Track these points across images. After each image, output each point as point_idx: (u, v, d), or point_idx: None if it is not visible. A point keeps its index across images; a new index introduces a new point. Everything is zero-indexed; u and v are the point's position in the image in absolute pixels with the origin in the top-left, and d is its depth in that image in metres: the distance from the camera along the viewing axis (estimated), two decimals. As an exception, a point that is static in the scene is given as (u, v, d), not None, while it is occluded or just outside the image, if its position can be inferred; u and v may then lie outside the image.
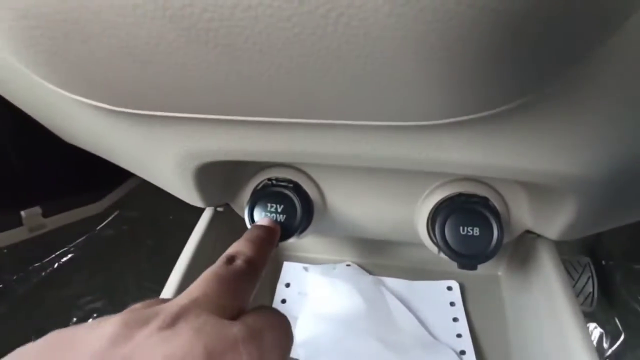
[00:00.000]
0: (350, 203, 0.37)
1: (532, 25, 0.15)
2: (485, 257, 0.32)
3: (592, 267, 0.70)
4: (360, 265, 0.47)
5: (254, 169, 0.37)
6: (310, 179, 0.36)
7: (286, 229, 0.33)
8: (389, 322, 0.40)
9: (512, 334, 0.40)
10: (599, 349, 0.71)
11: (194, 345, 0.15)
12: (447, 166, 0.26)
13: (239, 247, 0.24)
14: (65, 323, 0.80)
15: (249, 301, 0.21)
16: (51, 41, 0.17)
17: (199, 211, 0.39)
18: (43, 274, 0.86)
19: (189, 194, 0.34)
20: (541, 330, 0.34)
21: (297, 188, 0.35)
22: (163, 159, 0.29)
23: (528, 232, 0.36)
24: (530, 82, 0.19)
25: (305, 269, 0.46)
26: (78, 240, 0.91)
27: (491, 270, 0.45)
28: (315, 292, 0.43)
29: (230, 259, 0.23)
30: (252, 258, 0.23)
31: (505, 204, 0.34)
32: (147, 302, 0.19)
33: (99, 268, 0.87)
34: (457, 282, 0.44)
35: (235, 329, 0.17)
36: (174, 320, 0.16)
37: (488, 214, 0.32)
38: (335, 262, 0.47)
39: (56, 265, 0.88)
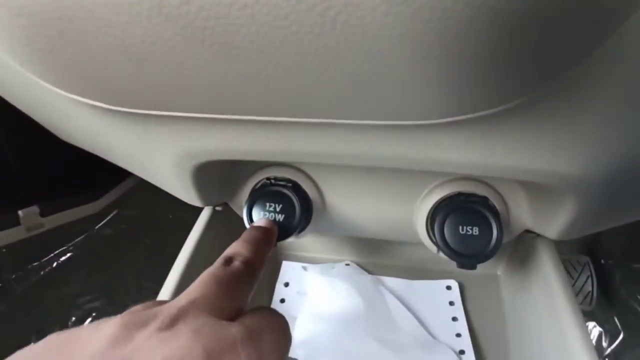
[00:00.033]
0: (349, 202, 0.37)
1: (531, 24, 0.14)
2: (484, 256, 0.31)
3: (591, 266, 0.70)
4: (359, 265, 0.46)
5: (252, 168, 0.37)
6: (309, 178, 0.36)
7: (285, 229, 0.33)
8: (388, 322, 0.40)
9: (511, 333, 0.40)
10: (598, 348, 0.71)
11: (192, 347, 0.16)
12: (446, 165, 0.25)
13: (237, 248, 0.25)
14: (64, 322, 0.80)
15: (247, 302, 0.22)
16: (46, 39, 0.17)
17: (198, 210, 0.39)
18: (42, 273, 0.86)
19: (187, 194, 0.33)
20: (540, 329, 0.34)
21: (296, 187, 0.35)
22: (160, 159, 0.29)
23: (527, 231, 0.36)
24: (529, 82, 0.19)
25: (304, 268, 0.46)
26: (77, 240, 0.91)
27: (490, 269, 0.45)
28: (314, 292, 0.43)
29: (228, 260, 0.23)
30: (250, 259, 0.23)
31: (505, 203, 0.34)
32: (146, 303, 0.19)
33: (97, 267, 0.87)
34: (457, 281, 0.44)
35: (233, 329, 0.17)
36: (173, 322, 0.17)
37: (487, 214, 0.32)
38: (334, 261, 0.47)
39: (55, 264, 0.88)
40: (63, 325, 0.79)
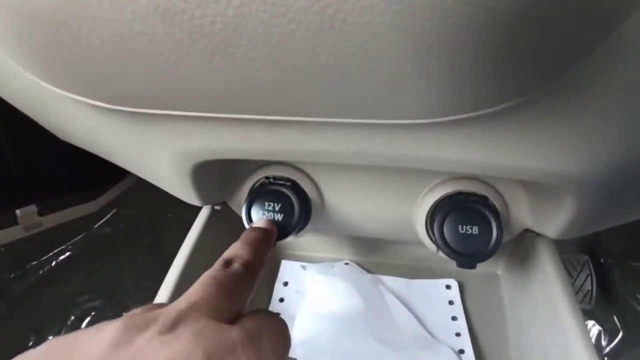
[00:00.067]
0: (349, 201, 0.37)
1: (531, 24, 0.14)
2: (484, 256, 0.31)
3: (590, 265, 0.70)
4: (358, 264, 0.46)
5: (251, 167, 0.36)
6: (308, 177, 0.36)
7: (284, 228, 0.33)
8: (387, 321, 0.40)
9: (511, 332, 0.40)
10: (597, 346, 0.71)
11: (193, 350, 0.16)
12: (446, 165, 0.25)
13: (236, 250, 0.25)
14: (63, 321, 0.80)
15: (246, 304, 0.22)
16: (44, 39, 0.17)
17: (197, 209, 0.39)
18: (41, 272, 0.86)
19: (186, 193, 0.33)
20: (540, 328, 0.34)
21: (295, 186, 0.35)
22: (159, 158, 0.29)
23: (527, 230, 0.36)
24: (529, 81, 0.19)
25: (304, 267, 0.46)
26: (76, 239, 0.91)
27: (490, 268, 0.45)
28: (313, 291, 0.42)
29: (228, 263, 0.23)
30: (249, 261, 0.24)
31: (505, 202, 0.34)
32: (146, 306, 0.20)
33: (96, 266, 0.87)
34: (456, 280, 0.44)
35: (233, 333, 0.17)
36: (174, 325, 0.17)
37: (487, 213, 0.32)
38: (334, 260, 0.47)
39: (54, 263, 0.88)
40: (62, 325, 0.79)
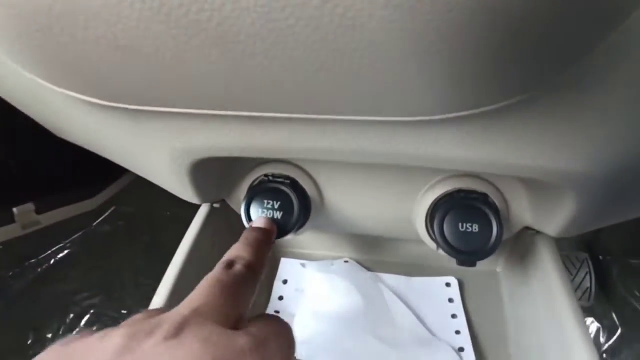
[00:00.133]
0: (348, 199, 0.36)
1: (532, 21, 0.14)
2: (484, 253, 0.31)
3: (589, 262, 0.70)
4: (358, 262, 0.46)
5: (250, 164, 0.36)
6: (307, 174, 0.36)
7: (283, 226, 0.33)
8: (387, 319, 0.40)
9: (511, 330, 0.40)
10: (596, 343, 0.71)
11: (202, 357, 0.15)
12: (446, 162, 0.25)
13: (238, 251, 0.24)
14: (62, 319, 0.80)
15: (249, 306, 0.22)
16: (40, 36, 0.17)
17: (195, 207, 0.39)
18: (39, 270, 0.86)
19: (184, 191, 0.33)
20: (540, 326, 0.34)
21: (294, 184, 0.35)
22: (157, 155, 0.29)
23: (527, 228, 0.35)
24: (531, 78, 0.19)
25: (303, 265, 0.45)
26: (74, 236, 0.91)
27: (490, 266, 0.45)
28: (312, 289, 0.42)
29: (230, 264, 0.23)
30: (252, 262, 0.24)
31: (505, 200, 0.34)
32: (147, 311, 0.19)
33: (95, 264, 0.87)
34: (456, 278, 0.44)
35: (241, 339, 0.17)
36: (178, 330, 0.17)
37: (487, 210, 0.31)
38: (333, 258, 0.47)
39: (52, 261, 0.88)
40: (61, 323, 0.79)
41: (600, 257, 0.77)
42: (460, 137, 0.23)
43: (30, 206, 0.49)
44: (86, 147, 0.38)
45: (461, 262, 0.32)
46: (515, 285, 0.41)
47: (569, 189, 0.26)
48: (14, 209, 0.48)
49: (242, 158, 0.30)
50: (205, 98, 0.21)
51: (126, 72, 0.19)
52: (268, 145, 0.26)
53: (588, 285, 0.69)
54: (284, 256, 0.47)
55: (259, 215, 0.33)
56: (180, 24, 0.15)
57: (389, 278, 0.44)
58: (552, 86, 0.20)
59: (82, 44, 0.17)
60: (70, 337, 0.17)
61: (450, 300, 0.42)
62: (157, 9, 0.15)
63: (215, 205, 0.39)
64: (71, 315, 0.80)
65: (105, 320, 0.79)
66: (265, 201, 0.34)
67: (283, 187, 0.34)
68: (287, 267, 0.46)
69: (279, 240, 0.33)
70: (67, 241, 0.90)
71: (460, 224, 0.32)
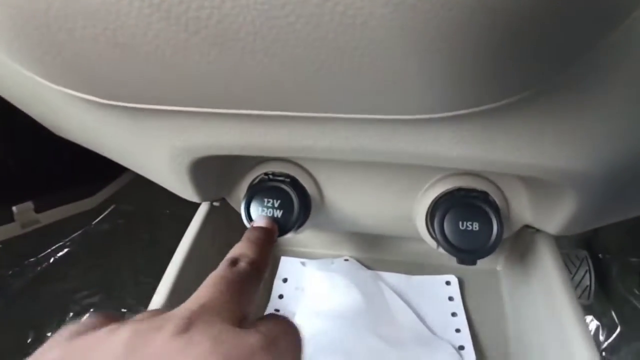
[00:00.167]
0: (348, 198, 0.36)
1: (533, 19, 0.14)
2: (484, 252, 0.31)
3: (589, 260, 0.70)
4: (358, 260, 0.46)
5: (250, 163, 0.36)
6: (307, 173, 0.36)
7: (283, 225, 0.33)
8: (387, 318, 0.40)
9: (511, 328, 0.40)
10: (595, 341, 0.71)
11: (212, 355, 0.15)
12: (446, 161, 0.25)
13: (242, 249, 0.24)
14: (61, 318, 0.80)
15: (254, 303, 0.22)
16: (38, 34, 0.17)
17: (195, 205, 0.39)
18: (39, 268, 0.86)
19: (184, 189, 0.33)
20: (540, 324, 0.34)
21: (294, 183, 0.34)
22: (157, 154, 0.29)
23: (527, 226, 0.35)
24: (531, 77, 0.19)
25: (303, 263, 0.45)
26: (74, 235, 0.91)
27: (490, 264, 0.45)
28: (312, 288, 0.42)
29: (234, 262, 0.23)
30: (256, 260, 0.24)
31: (505, 198, 0.34)
32: (151, 311, 0.19)
33: (95, 262, 0.87)
34: (456, 276, 0.44)
35: (251, 338, 0.17)
36: (188, 325, 0.16)
37: (487, 209, 0.31)
38: (333, 256, 0.47)
39: (52, 260, 0.88)
40: (61, 321, 0.79)
41: (600, 255, 0.77)
42: (461, 136, 0.23)
43: (29, 205, 0.49)
44: (85, 145, 0.38)
45: (461, 261, 0.32)
46: (515, 283, 0.41)
47: (569, 188, 0.26)
48: (14, 208, 0.47)
49: (242, 156, 0.30)
50: (205, 96, 0.21)
51: (125, 70, 0.19)
52: (268, 144, 0.26)
53: (588, 283, 0.69)
54: (284, 255, 0.47)
55: (259, 214, 0.33)
56: (180, 21, 0.15)
57: (389, 276, 0.44)
58: (552, 85, 0.20)
59: (80, 42, 0.17)
60: (72, 327, 0.17)
61: (451, 298, 0.42)
62: (156, 7, 0.15)
63: (215, 203, 0.39)
64: (71, 314, 0.80)
65: (105, 319, 0.79)
66: (266, 200, 0.33)
67: (283, 186, 0.34)
68: (287, 265, 0.46)
69: (279, 238, 0.33)
70: (67, 240, 0.90)
71: (460, 223, 0.32)
